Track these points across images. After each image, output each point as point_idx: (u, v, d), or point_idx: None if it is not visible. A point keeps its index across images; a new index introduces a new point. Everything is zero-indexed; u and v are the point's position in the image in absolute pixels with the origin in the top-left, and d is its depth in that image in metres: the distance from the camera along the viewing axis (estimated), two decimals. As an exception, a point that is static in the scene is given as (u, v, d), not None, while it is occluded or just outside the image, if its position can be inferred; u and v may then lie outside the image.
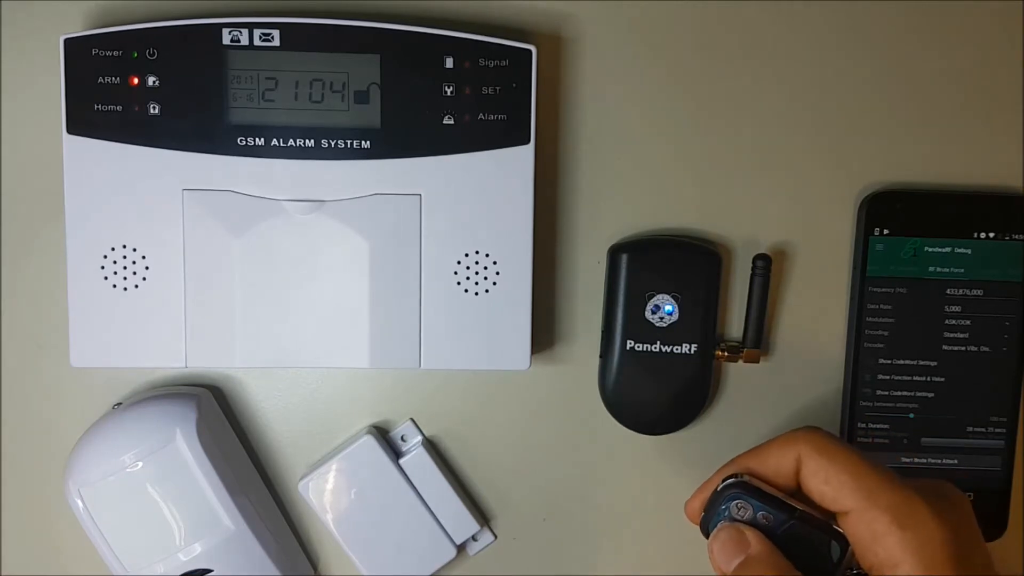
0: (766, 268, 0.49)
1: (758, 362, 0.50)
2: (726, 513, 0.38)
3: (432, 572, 0.50)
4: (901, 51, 0.50)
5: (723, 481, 0.39)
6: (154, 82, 0.45)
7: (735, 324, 0.51)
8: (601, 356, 0.50)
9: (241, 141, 0.45)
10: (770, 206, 0.50)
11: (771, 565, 0.36)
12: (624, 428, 0.50)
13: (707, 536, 0.39)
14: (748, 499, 0.38)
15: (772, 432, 0.51)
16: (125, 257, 0.46)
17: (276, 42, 0.45)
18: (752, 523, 0.38)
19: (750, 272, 0.49)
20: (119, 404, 0.49)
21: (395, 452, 0.50)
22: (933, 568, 0.34)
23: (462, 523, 0.50)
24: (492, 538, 0.52)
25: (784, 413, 0.52)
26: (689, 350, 0.49)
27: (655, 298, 0.48)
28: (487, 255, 0.47)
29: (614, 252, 0.49)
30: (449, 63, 0.45)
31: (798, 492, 0.39)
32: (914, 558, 0.35)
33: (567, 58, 0.49)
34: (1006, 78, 0.50)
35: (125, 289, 0.46)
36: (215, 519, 0.47)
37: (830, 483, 0.37)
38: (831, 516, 0.38)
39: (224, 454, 0.48)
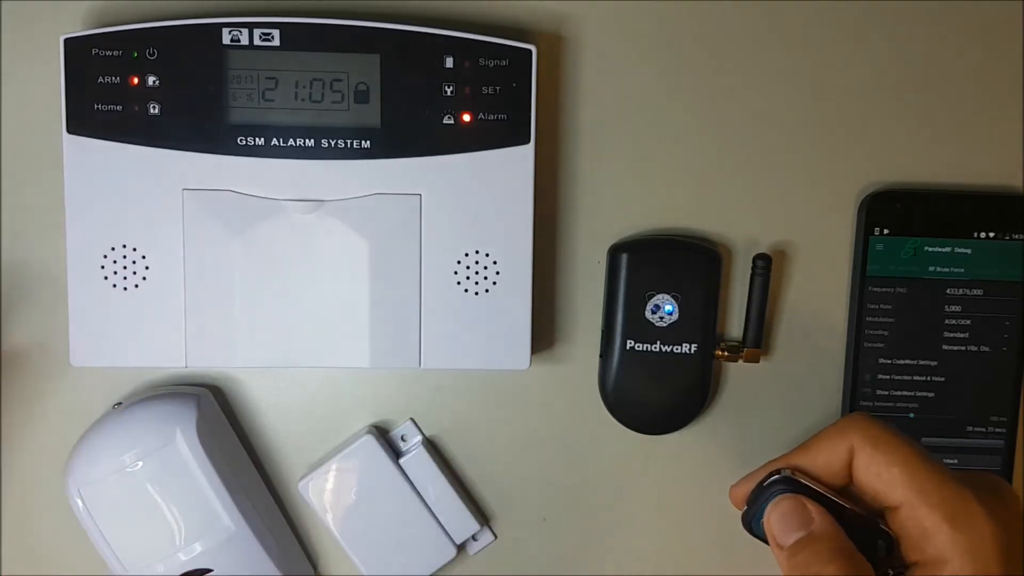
0: (766, 268, 0.49)
1: (758, 362, 0.50)
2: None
3: (432, 572, 0.50)
4: (901, 51, 0.50)
5: (768, 476, 0.38)
6: (154, 82, 0.45)
7: (735, 324, 0.51)
8: (601, 356, 0.50)
9: (241, 141, 0.45)
10: (770, 206, 0.50)
11: (836, 546, 0.35)
12: (624, 428, 0.50)
13: (748, 530, 0.38)
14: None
15: (772, 432, 0.51)
16: (125, 257, 0.46)
17: (276, 42, 0.45)
18: None
19: (750, 272, 0.49)
20: (119, 404, 0.49)
21: (395, 452, 0.50)
22: (982, 566, 0.34)
23: (462, 523, 0.50)
24: (492, 538, 0.52)
25: (784, 413, 0.51)
26: (689, 350, 0.49)
27: (655, 298, 0.48)
28: (487, 255, 0.47)
29: (614, 252, 0.49)
30: (449, 63, 0.45)
31: (846, 489, 0.38)
32: (964, 557, 0.34)
33: (567, 58, 0.49)
34: (1006, 78, 0.50)
35: (125, 289, 0.46)
36: (215, 519, 0.47)
37: (881, 477, 0.36)
38: (879, 512, 0.37)
39: (224, 454, 0.48)
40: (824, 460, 0.37)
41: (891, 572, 0.37)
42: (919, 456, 0.36)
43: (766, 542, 0.38)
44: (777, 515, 0.37)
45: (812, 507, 0.36)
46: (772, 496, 0.37)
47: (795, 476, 0.37)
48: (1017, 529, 0.35)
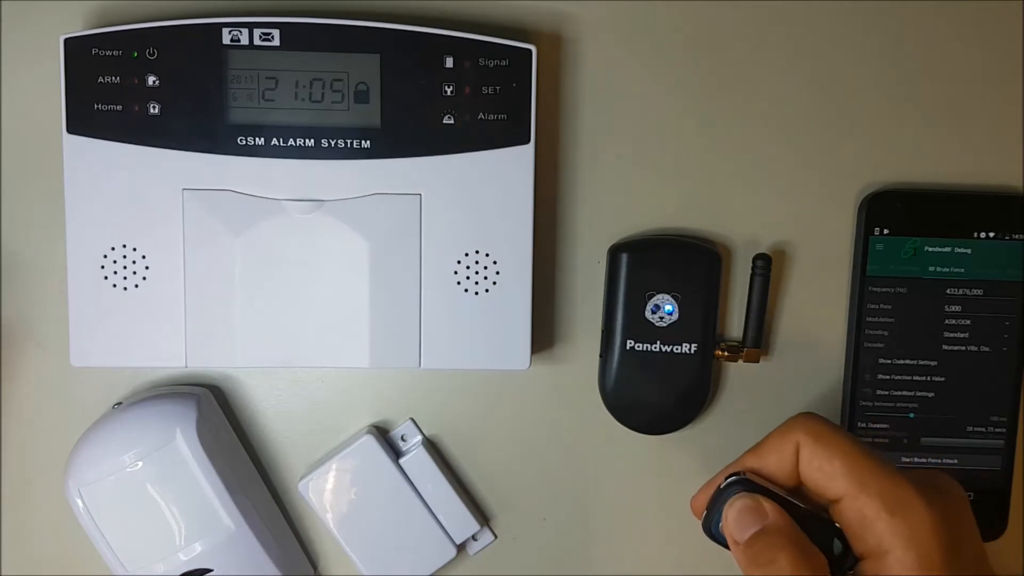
0: (766, 268, 0.49)
1: (758, 362, 0.50)
2: None
3: (432, 572, 0.50)
4: (901, 51, 0.50)
5: (725, 479, 0.39)
6: (154, 82, 0.45)
7: (735, 324, 0.51)
8: (601, 356, 0.50)
9: (241, 141, 0.45)
10: (770, 206, 0.50)
11: (787, 536, 0.36)
12: (624, 428, 0.50)
13: (709, 535, 0.39)
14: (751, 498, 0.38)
15: (772, 432, 0.51)
16: (125, 257, 0.46)
17: (276, 42, 0.45)
18: None
19: (750, 272, 0.49)
20: (119, 404, 0.49)
21: (395, 452, 0.50)
22: (923, 554, 0.34)
23: (462, 523, 0.50)
24: (492, 538, 0.52)
25: (784, 413, 0.51)
26: (689, 350, 0.49)
27: (655, 298, 0.48)
28: (487, 255, 0.47)
29: (614, 252, 0.49)
30: (449, 63, 0.45)
31: (801, 489, 0.38)
32: (904, 544, 0.34)
33: (567, 58, 0.49)
34: (1006, 78, 0.50)
35: (125, 289, 0.46)
36: (215, 519, 0.47)
37: (823, 470, 0.37)
38: (826, 510, 0.38)
39: (224, 454, 0.48)
40: (775, 460, 0.38)
41: (848, 571, 0.37)
42: (859, 449, 0.37)
43: (726, 546, 0.38)
44: (733, 512, 0.37)
45: (767, 503, 0.37)
46: (730, 497, 0.38)
47: (751, 477, 0.38)
48: (959, 521, 0.36)
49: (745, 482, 0.38)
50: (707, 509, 0.39)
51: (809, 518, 0.37)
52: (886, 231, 0.49)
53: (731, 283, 0.51)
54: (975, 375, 0.49)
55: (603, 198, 0.50)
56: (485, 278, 0.47)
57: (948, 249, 0.49)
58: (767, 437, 0.39)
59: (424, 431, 0.51)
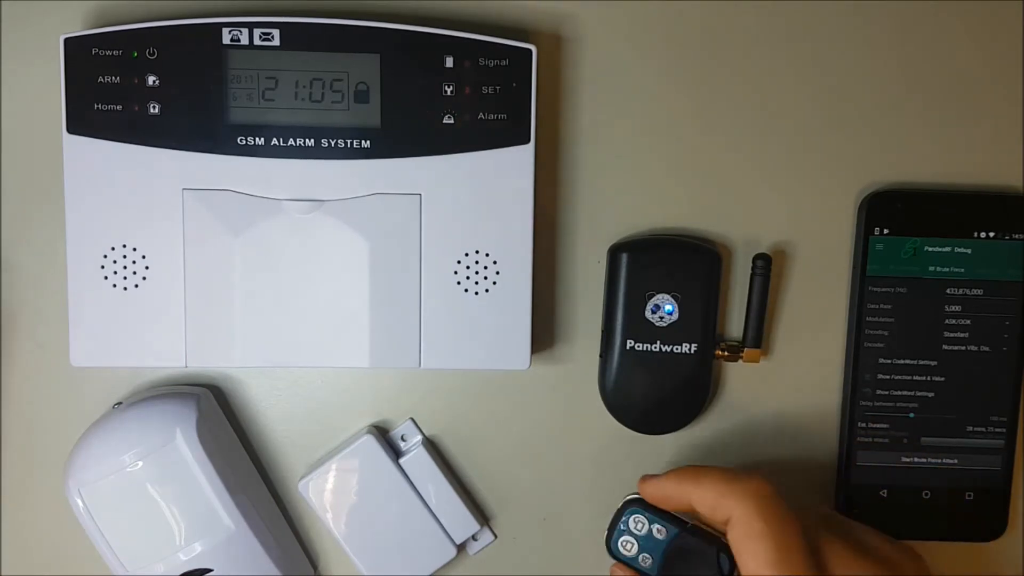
0: (766, 268, 0.49)
1: (758, 362, 0.50)
2: (625, 526, 0.44)
3: (432, 572, 0.50)
4: (901, 51, 0.50)
5: (624, 499, 0.44)
6: (154, 82, 0.45)
7: (735, 324, 0.51)
8: (601, 356, 0.50)
9: (241, 141, 0.45)
10: (770, 206, 0.50)
11: None
12: (624, 428, 0.50)
13: (609, 552, 0.44)
14: (644, 514, 0.44)
15: (771, 432, 0.51)
16: (125, 257, 0.46)
17: (276, 41, 0.45)
18: (648, 536, 0.43)
19: (750, 272, 0.49)
20: (119, 404, 0.49)
21: (395, 452, 0.50)
22: None
23: (462, 523, 0.50)
24: (492, 538, 0.52)
25: (784, 413, 0.51)
26: (689, 350, 0.49)
27: (655, 298, 0.48)
28: (487, 255, 0.47)
29: (614, 252, 0.49)
30: (449, 63, 0.45)
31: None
32: None
33: (567, 58, 0.49)
34: (1006, 78, 0.50)
35: (125, 289, 0.46)
36: (215, 519, 0.47)
37: (748, 568, 0.39)
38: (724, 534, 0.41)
39: (224, 454, 0.48)
40: (708, 507, 0.41)
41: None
42: (786, 563, 0.38)
43: (625, 564, 0.44)
44: None
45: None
46: (628, 514, 0.44)
47: (647, 501, 0.44)
48: None
49: (640, 501, 0.44)
50: (608, 528, 0.44)
51: (702, 535, 0.42)
52: (886, 231, 0.49)
53: (731, 283, 0.51)
54: (975, 375, 0.49)
55: (603, 198, 0.50)
56: (485, 278, 0.47)
57: (948, 249, 0.49)
58: (718, 482, 0.41)
59: (424, 431, 0.51)
